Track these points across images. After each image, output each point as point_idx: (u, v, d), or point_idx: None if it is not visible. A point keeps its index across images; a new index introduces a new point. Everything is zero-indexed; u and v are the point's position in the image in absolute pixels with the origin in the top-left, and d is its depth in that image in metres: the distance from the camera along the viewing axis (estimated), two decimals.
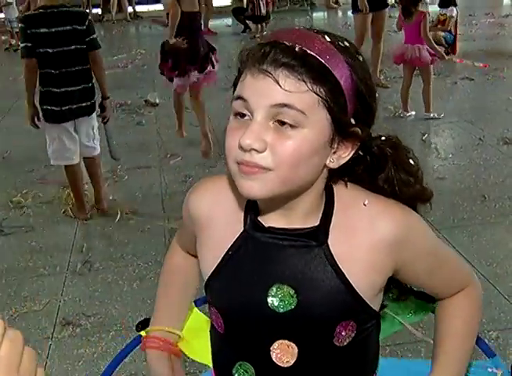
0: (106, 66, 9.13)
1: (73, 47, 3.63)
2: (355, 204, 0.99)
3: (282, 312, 0.99)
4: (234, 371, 1.07)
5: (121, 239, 3.74)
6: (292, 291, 0.98)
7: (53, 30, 3.58)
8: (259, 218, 1.00)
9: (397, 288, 1.14)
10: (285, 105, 0.87)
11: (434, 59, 5.68)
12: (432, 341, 1.15)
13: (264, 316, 1.00)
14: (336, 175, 0.99)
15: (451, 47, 8.33)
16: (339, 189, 1.01)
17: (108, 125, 4.11)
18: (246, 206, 1.02)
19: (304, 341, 1.01)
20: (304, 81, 0.86)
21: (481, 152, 4.87)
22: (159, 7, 10.18)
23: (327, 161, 0.94)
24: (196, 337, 1.27)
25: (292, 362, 1.01)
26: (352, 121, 0.92)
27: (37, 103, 3.76)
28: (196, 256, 1.14)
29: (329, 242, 0.98)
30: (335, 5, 14.95)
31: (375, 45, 6.80)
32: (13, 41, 11.56)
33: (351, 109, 0.91)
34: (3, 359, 0.56)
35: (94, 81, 3.82)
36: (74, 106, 3.72)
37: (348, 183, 1.02)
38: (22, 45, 3.73)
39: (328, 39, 0.91)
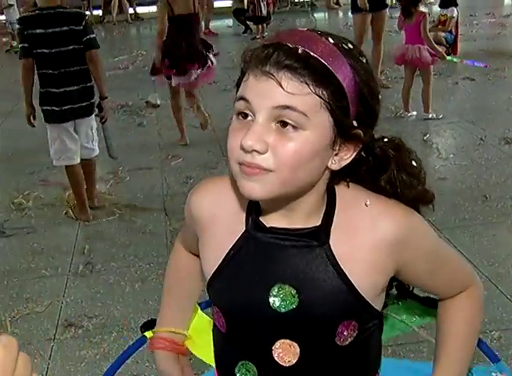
0: (107, 67, 9.15)
1: (70, 47, 3.65)
2: (357, 204, 0.99)
3: (283, 311, 0.99)
4: (236, 370, 1.07)
5: (123, 240, 3.75)
6: (293, 291, 0.98)
7: (50, 31, 3.60)
8: (261, 219, 1.00)
9: (399, 288, 1.14)
10: (287, 107, 0.87)
11: (434, 60, 5.68)
12: (435, 341, 1.15)
13: (265, 316, 1.00)
14: (338, 176, 1.00)
15: (452, 47, 8.33)
16: (340, 190, 1.01)
17: (106, 125, 4.13)
18: (248, 206, 1.02)
19: (305, 340, 1.01)
20: (306, 83, 0.87)
21: (482, 152, 4.87)
22: None
23: (329, 163, 0.94)
24: (199, 337, 1.27)
25: (294, 361, 1.02)
26: (354, 123, 0.92)
27: (36, 104, 3.78)
28: (199, 255, 1.15)
29: (331, 242, 0.98)
30: (336, 6, 14.95)
31: (375, 45, 6.80)
32: (14, 43, 11.58)
33: (353, 111, 0.91)
34: None
35: (93, 81, 3.84)
36: (75, 106, 3.74)
37: (350, 183, 1.02)
38: (19, 45, 3.78)
39: (331, 41, 0.91)
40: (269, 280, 1.00)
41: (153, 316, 1.35)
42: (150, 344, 1.26)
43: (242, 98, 0.90)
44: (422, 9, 5.84)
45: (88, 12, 13.54)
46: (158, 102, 6.80)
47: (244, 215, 1.02)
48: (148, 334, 1.30)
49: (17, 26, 3.97)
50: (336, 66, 0.89)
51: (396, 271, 1.02)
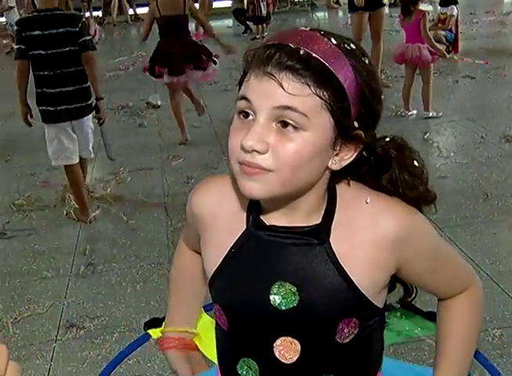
0: (107, 68, 9.17)
1: (66, 49, 3.68)
2: (357, 202, 1.00)
3: (284, 309, 0.99)
4: (238, 368, 1.08)
5: (124, 241, 3.75)
6: (294, 289, 0.99)
7: (46, 32, 3.64)
8: (261, 217, 1.01)
9: (401, 302, 1.16)
10: (288, 107, 0.87)
11: (434, 58, 5.67)
12: (435, 344, 1.16)
13: (266, 314, 1.00)
14: (339, 176, 1.00)
15: (452, 45, 8.32)
16: (341, 188, 1.01)
17: (104, 127, 4.15)
18: (249, 205, 1.02)
19: (306, 338, 1.01)
20: (307, 84, 0.87)
21: (483, 150, 4.87)
22: None
23: (329, 163, 0.94)
24: (204, 335, 1.29)
25: (295, 358, 1.02)
26: (355, 124, 0.92)
27: (33, 104, 3.82)
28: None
29: (331, 240, 0.98)
30: (336, 5, 14.95)
31: (375, 44, 6.81)
32: (14, 45, 11.59)
33: (354, 112, 0.91)
34: None
35: (89, 82, 3.86)
36: (71, 106, 3.77)
37: (351, 181, 1.02)
38: (16, 46, 3.84)
39: (333, 41, 0.91)
40: (270, 277, 1.00)
41: (154, 316, 1.36)
42: (160, 345, 1.28)
43: (243, 97, 0.91)
44: (422, 7, 5.84)
45: (88, 14, 13.56)
46: (159, 102, 6.81)
47: (245, 213, 1.03)
48: (153, 332, 1.32)
49: (15, 27, 4.00)
50: (337, 67, 0.89)
51: (397, 269, 1.02)
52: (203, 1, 12.36)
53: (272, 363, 1.03)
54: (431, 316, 1.20)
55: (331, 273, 0.98)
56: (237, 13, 12.50)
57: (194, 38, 6.18)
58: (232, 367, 1.09)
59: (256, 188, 0.91)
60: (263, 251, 1.01)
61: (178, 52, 5.08)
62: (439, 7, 8.72)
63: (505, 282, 2.99)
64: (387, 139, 1.01)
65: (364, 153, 0.98)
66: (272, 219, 1.00)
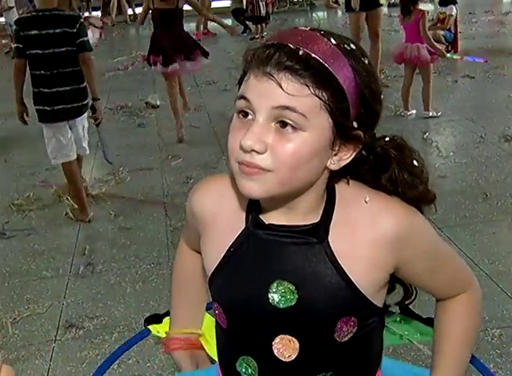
0: (106, 68, 9.16)
1: (63, 49, 3.70)
2: (357, 201, 1.00)
3: (282, 307, 1.00)
4: (237, 365, 1.08)
5: (123, 241, 3.75)
6: (292, 287, 0.99)
7: (44, 32, 3.66)
8: (261, 216, 1.01)
9: (401, 308, 1.17)
10: (287, 107, 0.87)
11: (434, 58, 5.66)
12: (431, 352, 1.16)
13: (265, 312, 1.01)
14: (338, 175, 1.00)
15: (452, 45, 8.33)
16: (341, 187, 1.01)
17: (101, 128, 4.17)
18: (248, 204, 1.03)
19: (305, 336, 1.02)
20: (306, 85, 0.87)
21: (482, 150, 4.87)
22: None
23: (328, 163, 0.94)
24: (207, 334, 1.30)
25: (294, 356, 1.02)
26: (355, 124, 0.92)
27: (30, 103, 3.83)
28: None
29: (330, 239, 0.98)
30: (335, 5, 14.96)
31: (373, 44, 6.81)
32: (13, 45, 11.58)
33: (353, 113, 0.91)
34: None
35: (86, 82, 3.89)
36: (68, 106, 3.79)
37: (350, 180, 1.02)
38: (14, 45, 3.87)
39: (333, 41, 0.91)
40: (269, 276, 1.00)
41: (155, 313, 1.37)
42: (167, 346, 1.29)
43: (243, 97, 0.91)
44: (422, 6, 5.83)
45: (87, 14, 13.55)
46: (158, 103, 6.81)
47: (245, 212, 1.03)
48: (153, 328, 1.33)
49: (14, 27, 4.02)
50: (336, 67, 0.89)
51: (396, 268, 1.02)
52: (204, 2, 12.38)
53: (270, 361, 1.03)
54: (430, 322, 1.20)
55: (330, 272, 0.98)
56: (236, 13, 12.50)
57: (195, 37, 6.37)
58: (231, 365, 1.09)
59: (255, 188, 0.91)
60: (262, 249, 1.01)
61: (169, 44, 5.35)
62: (438, 7, 8.72)
63: (504, 281, 2.99)
64: (387, 139, 1.01)
65: (364, 152, 0.98)
66: (271, 218, 1.00)
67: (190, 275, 1.27)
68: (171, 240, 3.63)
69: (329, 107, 0.89)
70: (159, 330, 1.34)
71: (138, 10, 15.31)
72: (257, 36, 11.25)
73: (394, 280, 1.08)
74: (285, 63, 0.87)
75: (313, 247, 0.99)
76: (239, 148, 0.90)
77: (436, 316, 1.15)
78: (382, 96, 0.97)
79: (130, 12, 15.22)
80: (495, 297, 2.85)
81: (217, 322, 1.12)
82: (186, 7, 5.60)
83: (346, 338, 1.02)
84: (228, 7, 13.97)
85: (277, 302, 1.00)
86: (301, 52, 0.87)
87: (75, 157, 3.97)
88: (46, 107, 3.77)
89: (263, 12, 11.52)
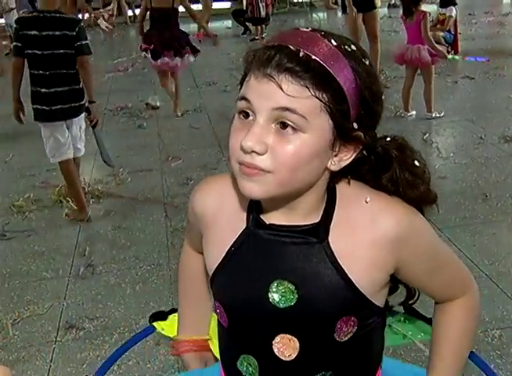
0: (106, 69, 9.17)
1: (61, 51, 3.73)
2: (357, 201, 1.00)
3: (282, 307, 1.00)
4: (238, 364, 1.09)
5: (123, 242, 3.75)
6: (292, 287, 0.99)
7: (44, 33, 3.69)
8: (261, 216, 1.01)
9: (406, 307, 1.18)
10: (287, 109, 0.87)
11: (435, 60, 5.66)
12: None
13: (265, 312, 1.01)
14: (339, 175, 1.00)
15: (451, 46, 8.33)
16: (341, 187, 1.02)
17: (98, 131, 4.21)
18: (249, 204, 1.03)
19: (305, 335, 1.02)
20: (307, 86, 0.87)
21: (482, 150, 4.87)
22: None
23: (328, 164, 0.95)
24: (214, 336, 1.31)
25: (294, 355, 1.03)
26: (355, 125, 0.92)
27: (27, 102, 3.86)
28: None
29: (330, 239, 0.99)
30: (335, 6, 14.95)
31: (372, 45, 6.83)
32: (13, 44, 11.56)
33: (354, 114, 0.92)
34: None
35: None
36: (65, 106, 3.82)
37: (351, 180, 1.02)
38: (13, 44, 3.90)
39: (334, 43, 0.91)
40: (269, 276, 1.01)
41: (161, 310, 1.39)
42: (176, 349, 1.31)
43: (243, 98, 0.92)
44: (424, 8, 5.83)
45: (87, 15, 13.56)
46: (158, 104, 6.81)
47: (245, 212, 1.04)
48: (158, 325, 1.35)
49: (14, 25, 4.05)
50: (337, 69, 0.89)
51: (396, 269, 1.02)
52: (206, 2, 12.39)
53: (271, 359, 1.04)
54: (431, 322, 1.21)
55: (329, 272, 0.98)
56: (236, 14, 12.51)
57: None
58: (232, 363, 1.10)
59: (255, 188, 0.91)
60: (262, 249, 1.01)
61: (160, 40, 5.90)
62: (439, 8, 8.73)
63: (504, 282, 2.99)
64: (388, 139, 1.02)
65: (365, 152, 0.98)
66: (272, 218, 1.00)
67: (196, 276, 1.27)
68: (170, 241, 3.63)
69: (329, 109, 0.89)
70: (164, 327, 1.35)
71: (138, 11, 15.38)
72: (257, 37, 11.26)
73: (397, 281, 1.08)
74: (285, 64, 0.87)
75: (313, 247, 0.99)
76: (240, 149, 0.90)
77: (434, 318, 1.15)
78: (383, 97, 0.97)
79: (130, 13, 15.23)
80: (495, 298, 2.85)
81: (218, 321, 1.13)
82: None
83: (346, 338, 1.02)
84: (229, 8, 13.97)
85: (277, 302, 1.00)
86: (301, 54, 0.88)
87: (72, 155, 4.00)
88: (45, 107, 3.79)
89: (263, 13, 11.52)
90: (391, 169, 1.00)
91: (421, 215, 1.04)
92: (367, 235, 0.98)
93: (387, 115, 5.55)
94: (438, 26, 8.33)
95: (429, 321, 1.24)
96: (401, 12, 5.90)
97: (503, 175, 4.34)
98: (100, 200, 4.40)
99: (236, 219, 1.04)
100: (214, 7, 13.70)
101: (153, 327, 1.36)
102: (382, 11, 10.83)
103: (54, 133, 3.87)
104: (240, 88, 0.94)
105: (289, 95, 0.87)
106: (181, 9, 6.19)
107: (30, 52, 3.71)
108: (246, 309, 1.04)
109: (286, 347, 1.03)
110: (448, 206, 3.79)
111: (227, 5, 14.59)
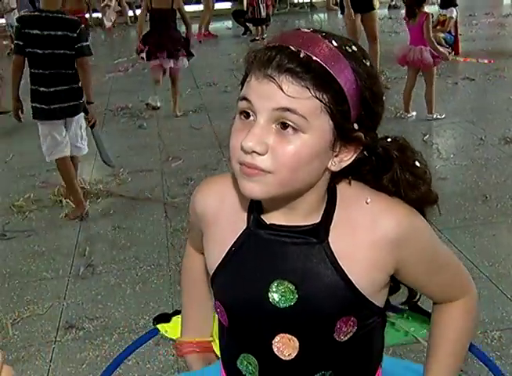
0: (106, 70, 9.17)
1: (61, 51, 3.76)
2: (358, 202, 1.00)
3: (282, 307, 1.00)
4: (238, 363, 1.09)
5: (123, 242, 3.75)
6: (292, 287, 1.00)
7: (45, 33, 3.72)
8: (262, 216, 1.02)
9: (409, 302, 1.17)
10: (287, 109, 0.88)
11: (437, 61, 5.65)
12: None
13: (265, 311, 1.02)
14: (339, 176, 1.00)
15: (452, 47, 8.33)
16: (342, 187, 1.02)
17: (96, 130, 4.23)
18: (250, 204, 1.03)
19: (304, 335, 1.02)
20: (307, 87, 0.87)
21: (482, 152, 4.87)
22: None
23: (329, 164, 0.95)
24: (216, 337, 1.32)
25: (294, 355, 1.03)
26: (355, 126, 0.92)
27: (26, 100, 3.88)
28: None
29: (330, 239, 0.99)
30: (335, 7, 14.92)
31: (371, 46, 6.83)
32: (14, 42, 11.56)
33: (354, 115, 0.92)
34: None
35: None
36: (64, 105, 3.84)
37: (352, 181, 1.02)
38: (14, 42, 3.94)
39: (334, 44, 0.91)
40: (269, 275, 1.01)
41: (164, 312, 1.39)
42: (179, 350, 1.31)
43: (244, 98, 0.92)
44: (427, 9, 5.82)
45: (87, 15, 13.56)
46: (158, 104, 6.81)
47: (246, 212, 1.04)
48: (161, 327, 1.36)
49: (15, 23, 4.07)
50: (337, 70, 0.89)
51: (395, 270, 1.02)
52: (207, 3, 12.39)
53: (271, 359, 1.04)
54: None
55: (329, 272, 0.99)
56: (237, 15, 12.51)
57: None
58: (232, 362, 1.10)
59: (255, 189, 0.92)
60: (263, 249, 1.02)
61: (155, 41, 6.00)
62: (439, 9, 8.73)
63: (504, 284, 2.99)
64: (389, 140, 1.02)
65: (365, 153, 0.98)
66: (272, 218, 1.01)
67: (198, 277, 1.28)
68: (171, 241, 3.63)
69: (329, 109, 0.89)
70: (167, 329, 1.36)
71: (139, 12, 15.38)
72: (257, 38, 11.27)
73: (398, 281, 1.08)
74: (286, 65, 0.87)
75: (313, 248, 0.99)
76: (240, 149, 0.90)
77: (432, 319, 1.15)
78: (384, 98, 0.97)
79: (130, 13, 15.23)
80: (494, 299, 2.85)
81: (219, 320, 1.13)
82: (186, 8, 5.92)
83: (346, 338, 1.02)
84: (229, 9, 13.96)
85: (277, 302, 1.00)
86: (301, 55, 0.88)
87: (69, 153, 4.02)
88: (44, 106, 3.82)
89: (263, 13, 11.52)
90: (391, 170, 1.00)
91: (422, 216, 1.04)
92: (367, 236, 0.98)
93: (387, 116, 5.53)
94: (439, 27, 8.32)
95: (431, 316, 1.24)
96: (403, 13, 5.89)
97: (503, 176, 4.34)
98: (100, 200, 4.40)
99: (237, 219, 1.04)
100: (215, 7, 13.68)
101: (157, 329, 1.36)
102: (382, 12, 10.87)
103: (52, 132, 3.90)
104: (241, 89, 0.94)
105: (289, 96, 0.87)
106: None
107: (30, 50, 3.74)
108: (246, 309, 1.04)
109: (285, 346, 1.03)
110: (449, 207, 3.79)
111: (227, 5, 14.59)
